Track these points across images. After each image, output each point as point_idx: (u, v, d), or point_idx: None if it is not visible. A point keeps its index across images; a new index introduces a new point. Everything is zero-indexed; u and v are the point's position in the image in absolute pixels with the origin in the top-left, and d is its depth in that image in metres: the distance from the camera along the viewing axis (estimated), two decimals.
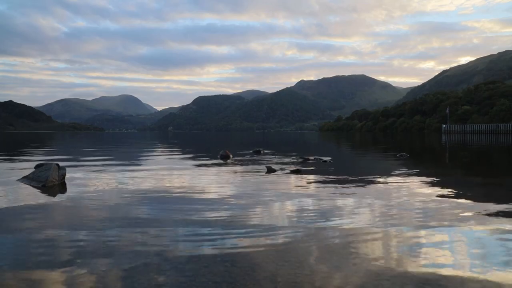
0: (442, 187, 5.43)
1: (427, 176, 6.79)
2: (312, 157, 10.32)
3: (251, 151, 13.91)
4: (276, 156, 11.58)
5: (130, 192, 5.04)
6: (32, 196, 4.77)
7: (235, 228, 3.21)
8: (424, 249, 2.65)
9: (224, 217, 3.60)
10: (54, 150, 16.63)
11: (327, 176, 6.75)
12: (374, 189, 5.31)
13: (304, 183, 5.84)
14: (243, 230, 3.13)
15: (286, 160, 10.18)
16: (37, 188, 5.31)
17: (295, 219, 3.53)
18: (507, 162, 10.55)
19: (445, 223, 3.39)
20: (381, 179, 6.27)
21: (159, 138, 42.71)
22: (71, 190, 5.22)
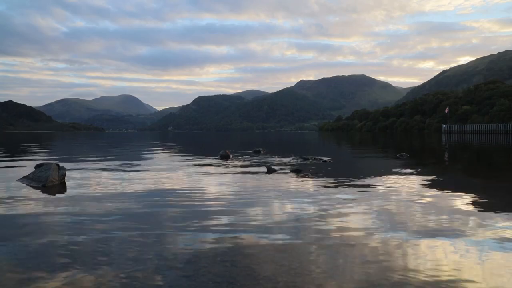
0: (442, 187, 5.43)
1: (427, 176, 6.79)
2: (312, 157, 10.32)
3: (251, 151, 13.91)
4: (276, 156, 11.58)
5: (129, 192, 5.05)
6: (32, 196, 4.77)
7: (235, 228, 3.21)
8: (423, 249, 2.65)
9: (224, 217, 3.60)
10: (54, 150, 16.64)
11: (327, 176, 6.75)
12: (374, 189, 5.31)
13: (304, 183, 5.84)
14: (243, 230, 3.13)
15: (286, 160, 10.19)
16: (37, 188, 5.31)
17: (295, 219, 3.53)
18: (507, 162, 10.56)
19: (445, 223, 3.39)
20: (381, 179, 6.27)
21: (159, 138, 42.71)
22: (71, 190, 5.22)
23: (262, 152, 13.43)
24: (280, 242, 2.81)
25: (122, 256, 2.50)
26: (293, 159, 10.43)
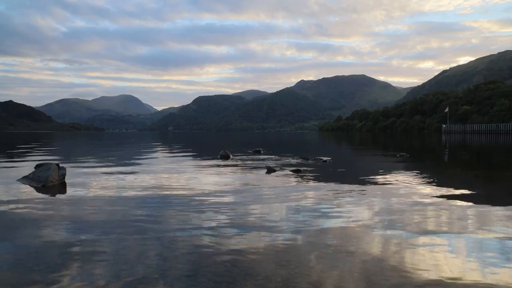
0: (442, 188, 5.43)
1: (427, 176, 6.79)
2: (312, 157, 10.32)
3: (251, 151, 13.92)
4: (276, 156, 11.58)
5: (130, 192, 5.04)
6: (32, 196, 4.77)
7: (235, 228, 3.21)
8: (422, 250, 2.65)
9: (224, 217, 3.60)
10: (54, 150, 16.64)
11: (327, 176, 6.75)
12: (374, 189, 5.31)
13: (304, 183, 5.84)
14: (243, 230, 3.13)
15: (286, 160, 10.19)
16: (37, 188, 5.31)
17: (295, 219, 3.53)
18: (507, 162, 10.55)
19: (444, 223, 3.39)
20: (381, 179, 6.27)
21: (159, 138, 42.71)
22: (71, 190, 5.22)
23: (262, 152, 13.43)
24: (280, 242, 2.81)
25: (122, 256, 2.50)
26: (293, 159, 10.43)
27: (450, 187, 5.46)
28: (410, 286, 2.05)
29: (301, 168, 7.67)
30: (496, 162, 10.62)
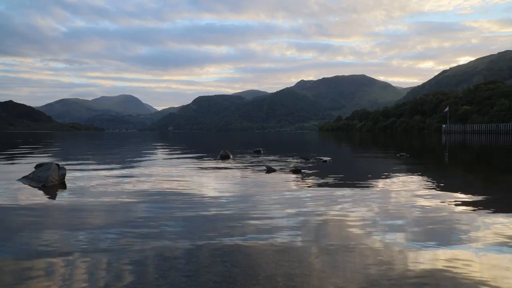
0: (441, 187, 5.43)
1: (427, 176, 6.79)
2: (312, 157, 10.32)
3: (251, 151, 13.92)
4: (276, 156, 11.58)
5: (129, 192, 5.04)
6: (32, 196, 4.77)
7: (235, 228, 3.21)
8: (422, 251, 2.65)
9: (224, 217, 3.60)
10: (54, 150, 16.63)
11: (327, 176, 6.75)
12: (374, 189, 5.31)
13: (304, 183, 5.84)
14: (243, 230, 3.13)
15: (286, 160, 10.19)
16: (37, 188, 5.31)
17: (295, 219, 3.53)
18: (507, 162, 10.55)
19: (444, 223, 3.39)
20: (381, 180, 6.27)
21: (159, 138, 42.71)
22: (71, 190, 5.22)
23: (262, 152, 13.43)
24: (280, 242, 2.81)
25: (122, 256, 2.50)
26: (293, 159, 10.43)
27: (450, 187, 5.46)
28: (410, 286, 2.04)
29: (301, 169, 7.67)
30: (496, 162, 10.62)
